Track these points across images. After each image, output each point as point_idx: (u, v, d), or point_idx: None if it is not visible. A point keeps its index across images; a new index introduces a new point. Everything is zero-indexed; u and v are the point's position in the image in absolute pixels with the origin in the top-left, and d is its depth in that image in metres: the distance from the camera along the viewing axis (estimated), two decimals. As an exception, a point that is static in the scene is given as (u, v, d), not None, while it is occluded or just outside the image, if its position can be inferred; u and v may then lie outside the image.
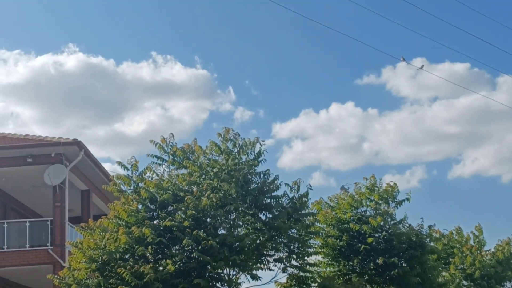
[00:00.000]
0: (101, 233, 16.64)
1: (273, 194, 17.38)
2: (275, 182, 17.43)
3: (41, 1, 58.23)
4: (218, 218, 16.40)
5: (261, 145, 17.55)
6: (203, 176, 17.23)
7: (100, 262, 16.11)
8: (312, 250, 18.35)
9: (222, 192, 16.57)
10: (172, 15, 59.61)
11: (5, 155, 23.34)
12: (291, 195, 17.67)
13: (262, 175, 17.42)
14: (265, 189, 17.23)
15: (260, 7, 60.72)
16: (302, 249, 17.76)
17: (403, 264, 19.42)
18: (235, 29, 60.65)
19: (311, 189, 17.94)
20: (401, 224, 20.38)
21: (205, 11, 59.83)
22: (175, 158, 17.59)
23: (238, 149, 17.54)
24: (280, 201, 17.32)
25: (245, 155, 17.55)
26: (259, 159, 17.56)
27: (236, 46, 61.48)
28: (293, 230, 17.66)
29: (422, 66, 26.77)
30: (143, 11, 59.83)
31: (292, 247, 17.74)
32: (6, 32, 59.92)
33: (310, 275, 18.36)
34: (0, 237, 23.19)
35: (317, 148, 64.33)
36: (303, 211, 17.77)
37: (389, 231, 19.76)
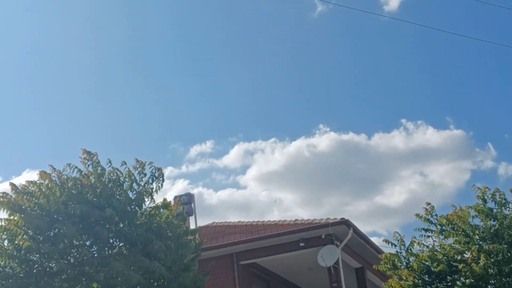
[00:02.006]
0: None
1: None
2: None
3: (276, 95, 61.04)
4: (498, 282, 15.64)
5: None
6: (470, 242, 16.65)
7: None
8: None
9: (498, 255, 15.84)
10: (417, 81, 59.20)
11: (279, 242, 24.32)
12: None
13: None
14: None
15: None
16: None
17: None
18: (478, 81, 58.40)
19: None
20: None
21: (451, 72, 58.61)
22: (443, 228, 17.22)
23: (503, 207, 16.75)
24: None
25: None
26: None
27: (488, 99, 59.14)
28: None
29: None
30: (386, 82, 60.19)
31: None
32: (261, 124, 63.60)
33: None
34: (284, 322, 24.03)
35: None
36: None
37: None
